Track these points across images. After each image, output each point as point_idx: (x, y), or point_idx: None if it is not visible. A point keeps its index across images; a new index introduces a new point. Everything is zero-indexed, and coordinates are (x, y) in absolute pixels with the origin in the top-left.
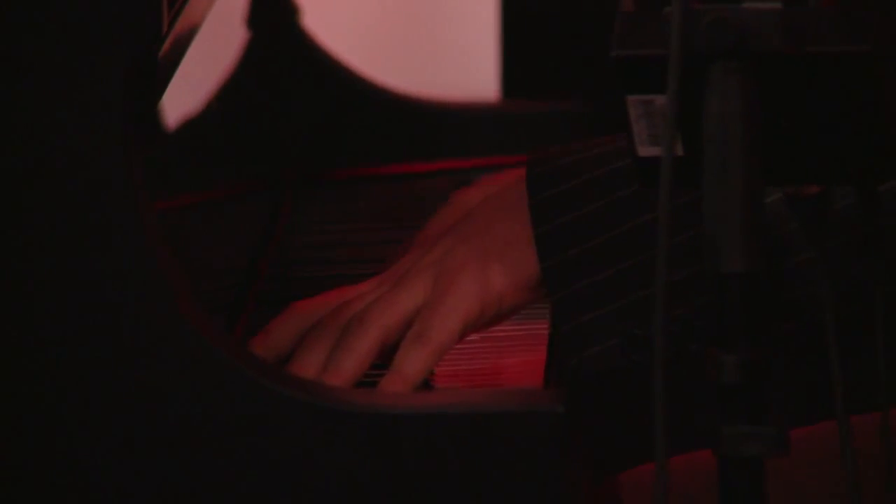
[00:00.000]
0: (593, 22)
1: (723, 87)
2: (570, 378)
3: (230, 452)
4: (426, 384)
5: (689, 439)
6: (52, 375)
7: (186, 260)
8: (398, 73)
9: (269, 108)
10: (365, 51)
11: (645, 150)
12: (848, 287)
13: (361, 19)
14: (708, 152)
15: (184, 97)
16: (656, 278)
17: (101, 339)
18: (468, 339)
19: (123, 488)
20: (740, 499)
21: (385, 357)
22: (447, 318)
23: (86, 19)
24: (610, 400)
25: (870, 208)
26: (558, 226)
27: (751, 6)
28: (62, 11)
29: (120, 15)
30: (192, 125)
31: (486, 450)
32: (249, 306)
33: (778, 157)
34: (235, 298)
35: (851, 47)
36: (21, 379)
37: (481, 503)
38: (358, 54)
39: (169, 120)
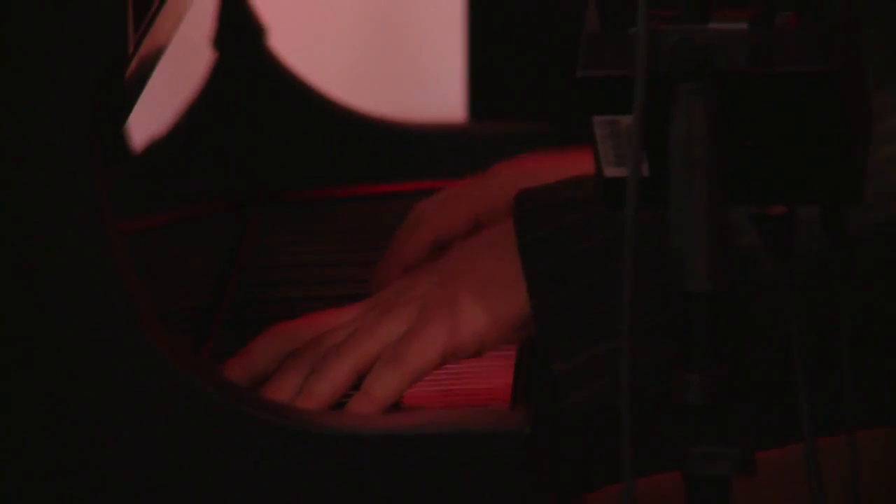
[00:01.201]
0: (560, 43)
1: (688, 108)
2: (556, 415)
3: (197, 474)
4: (395, 404)
5: (656, 461)
6: (16, 398)
7: (153, 281)
8: (365, 95)
9: (236, 129)
10: (332, 72)
11: (611, 171)
12: (814, 307)
13: (328, 41)
14: (674, 172)
15: (150, 118)
16: (623, 300)
17: (66, 361)
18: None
19: None
20: None
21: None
22: (426, 346)
23: (51, 40)
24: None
25: (834, 228)
26: (548, 265)
27: (716, 27)
28: (27, 32)
29: (85, 36)
30: (159, 146)
31: (453, 471)
32: (216, 328)
33: (743, 176)
34: (202, 320)
35: (816, 67)
36: None
37: None
38: (324, 76)
39: (135, 141)
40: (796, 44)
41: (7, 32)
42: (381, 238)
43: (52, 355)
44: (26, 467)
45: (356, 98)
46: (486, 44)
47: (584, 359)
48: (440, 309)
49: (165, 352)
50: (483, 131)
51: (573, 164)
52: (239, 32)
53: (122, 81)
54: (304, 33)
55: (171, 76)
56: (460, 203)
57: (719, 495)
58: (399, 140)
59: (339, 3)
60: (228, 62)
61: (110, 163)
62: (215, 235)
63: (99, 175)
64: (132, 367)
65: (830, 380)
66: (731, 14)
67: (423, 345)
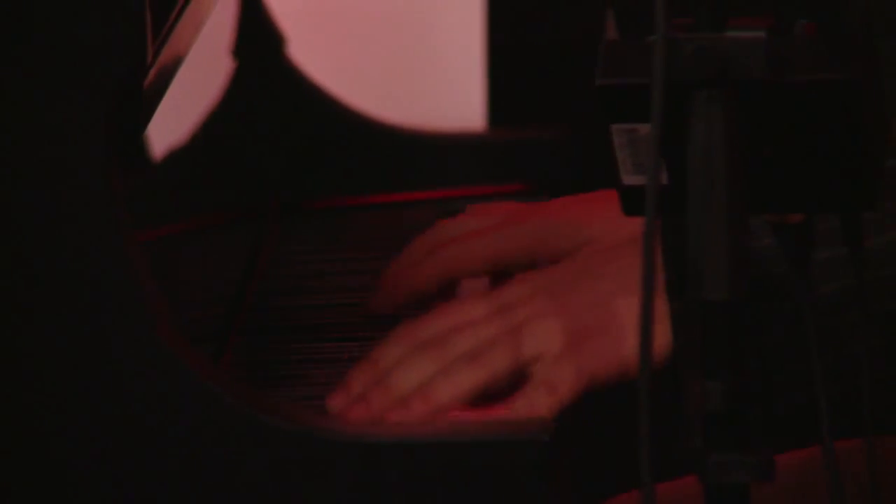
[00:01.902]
0: (579, 51)
1: (706, 116)
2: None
3: (215, 481)
4: None
5: (674, 465)
6: (36, 405)
7: (171, 289)
8: (384, 103)
9: (255, 137)
10: (351, 81)
11: (629, 179)
12: (832, 313)
13: (347, 49)
14: (692, 180)
15: (169, 127)
16: (642, 306)
17: (84, 369)
18: None
19: None
20: None
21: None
22: (580, 375)
23: (70, 49)
24: (595, 427)
25: (853, 236)
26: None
27: (734, 35)
28: (47, 41)
29: (104, 45)
30: (178, 155)
31: (472, 479)
32: (235, 336)
33: (762, 184)
34: (221, 328)
35: (834, 75)
36: None
37: None
38: (344, 84)
39: (155, 149)
40: (814, 52)
41: (26, 41)
42: (399, 247)
43: (69, 364)
44: (43, 474)
45: (375, 106)
46: (505, 51)
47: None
48: (591, 338)
49: (183, 360)
50: (502, 139)
51: (599, 207)
52: (258, 41)
53: (141, 90)
54: (322, 42)
55: (191, 85)
56: (483, 245)
57: (739, 502)
58: (418, 148)
59: (358, 11)
60: (247, 71)
61: (129, 171)
62: (234, 244)
63: (117, 183)
64: (150, 375)
65: (849, 383)
66: (749, 22)
67: (576, 374)
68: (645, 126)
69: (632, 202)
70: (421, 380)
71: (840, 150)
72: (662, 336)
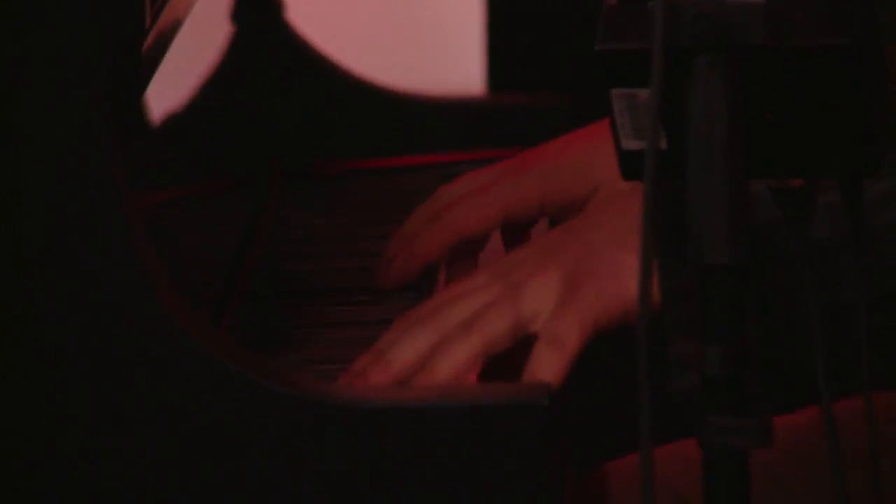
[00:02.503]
0: (579, 16)
1: (706, 81)
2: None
3: (213, 445)
4: None
5: (674, 428)
6: (33, 368)
7: (172, 254)
8: (384, 68)
9: (255, 102)
10: (350, 46)
11: (629, 144)
12: (833, 278)
13: (346, 14)
14: (692, 146)
15: (169, 92)
16: (640, 270)
17: (83, 333)
18: None
19: (101, 477)
20: (725, 490)
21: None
22: (582, 323)
23: (68, 14)
24: (594, 391)
25: (853, 201)
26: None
27: (734, 1)
28: (45, 6)
29: (103, 9)
30: (177, 120)
31: (471, 443)
32: (235, 301)
33: (762, 149)
34: (221, 292)
35: (835, 40)
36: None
37: (466, 496)
38: (343, 49)
39: (154, 114)
40: (814, 17)
41: (24, 6)
42: (399, 211)
43: (69, 328)
44: (40, 436)
45: (375, 71)
46: (505, 16)
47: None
48: (586, 283)
49: (183, 324)
50: (502, 104)
51: (601, 144)
52: (257, 5)
53: (140, 55)
54: (321, 6)
55: (190, 50)
56: (489, 201)
57: (738, 467)
58: (418, 113)
59: None
60: (247, 35)
61: (128, 137)
62: (234, 209)
63: (117, 148)
64: (148, 338)
65: (848, 345)
66: None
67: (580, 322)
68: (644, 91)
69: (631, 167)
70: (418, 353)
71: (841, 115)
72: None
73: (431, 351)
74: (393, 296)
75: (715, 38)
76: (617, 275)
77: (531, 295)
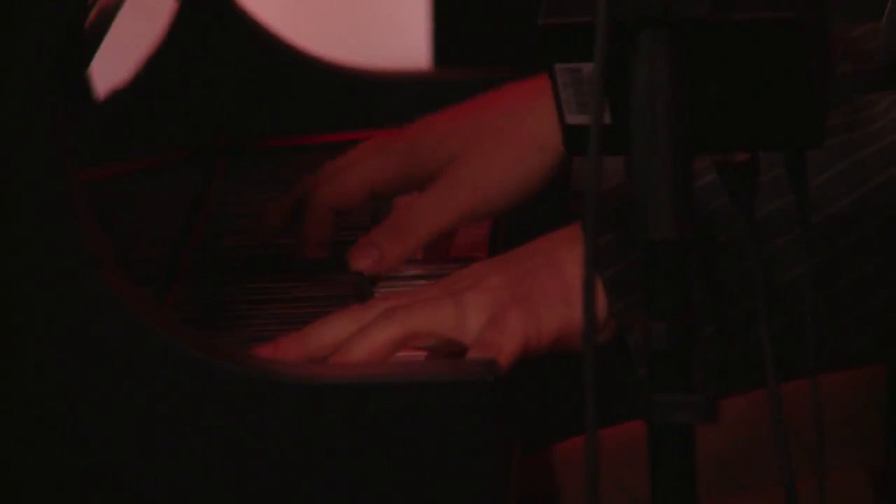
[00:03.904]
0: None
1: (650, 55)
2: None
3: (158, 421)
4: None
5: (620, 410)
6: None
7: (116, 230)
8: (329, 43)
9: (199, 77)
10: (296, 20)
11: (573, 119)
12: (774, 257)
13: None
14: (636, 120)
15: (113, 67)
16: (585, 246)
17: (25, 311)
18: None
19: (54, 459)
20: (670, 467)
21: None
22: (513, 338)
23: None
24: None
25: (797, 174)
26: (622, 269)
27: None
28: None
29: None
30: (121, 95)
31: (417, 419)
32: (180, 276)
33: (706, 124)
34: (166, 268)
35: (777, 14)
36: None
37: (413, 471)
38: (288, 24)
39: (98, 90)
40: None
41: None
42: None
43: (11, 308)
44: None
45: (320, 46)
46: None
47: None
48: (521, 305)
49: (127, 300)
50: (447, 78)
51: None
52: None
53: (83, 29)
54: None
55: (135, 24)
56: (352, 179)
57: (684, 443)
58: (363, 87)
59: None
60: (191, 10)
61: (73, 111)
62: (179, 184)
63: (60, 124)
64: (94, 316)
65: (792, 323)
66: None
67: (510, 336)
68: (588, 65)
69: (575, 141)
70: (337, 335)
71: (785, 89)
72: (600, 307)
73: (350, 335)
74: (339, 272)
75: (658, 12)
76: (551, 300)
77: (462, 303)
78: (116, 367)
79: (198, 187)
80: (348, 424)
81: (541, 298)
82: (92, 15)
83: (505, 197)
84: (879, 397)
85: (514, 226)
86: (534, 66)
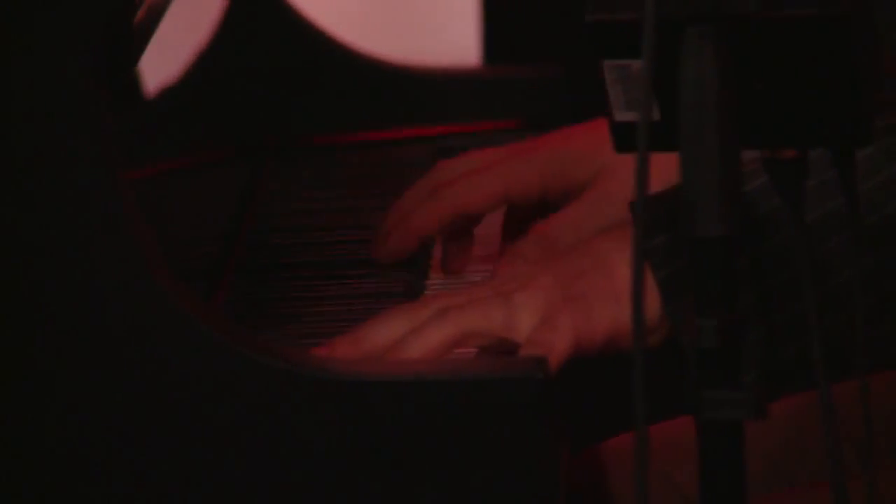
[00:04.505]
0: None
1: (698, 52)
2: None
3: (207, 420)
4: None
5: (670, 406)
6: (26, 343)
7: (165, 228)
8: (378, 40)
9: (249, 74)
10: (345, 17)
11: (621, 115)
12: (826, 259)
13: None
14: (684, 117)
15: (163, 64)
16: (633, 246)
17: (76, 308)
18: None
19: (91, 454)
20: (719, 463)
21: None
22: (565, 338)
23: None
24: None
25: (846, 171)
26: (676, 270)
27: None
28: None
29: None
30: (170, 92)
31: (465, 417)
32: (229, 274)
33: (754, 120)
34: (215, 266)
35: (826, 10)
36: None
37: (462, 468)
38: (337, 21)
39: (148, 87)
40: None
41: None
42: (393, 184)
43: (61, 302)
44: (34, 414)
45: (369, 43)
46: None
47: None
48: (574, 304)
49: (176, 298)
50: (496, 76)
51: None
52: None
53: (131, 25)
54: None
55: (184, 21)
56: (492, 180)
57: (732, 440)
58: (412, 85)
59: None
60: (240, 7)
61: (122, 108)
62: (228, 182)
63: (109, 121)
64: (143, 314)
65: (844, 324)
66: None
67: (562, 336)
68: (637, 62)
69: (624, 138)
70: (392, 335)
71: (832, 85)
72: (653, 309)
73: (405, 335)
74: (387, 270)
75: (706, 8)
76: (604, 302)
77: (516, 303)
78: (166, 367)
79: (246, 185)
80: (399, 422)
81: (593, 298)
82: (141, 12)
83: None
84: None
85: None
86: (586, 63)
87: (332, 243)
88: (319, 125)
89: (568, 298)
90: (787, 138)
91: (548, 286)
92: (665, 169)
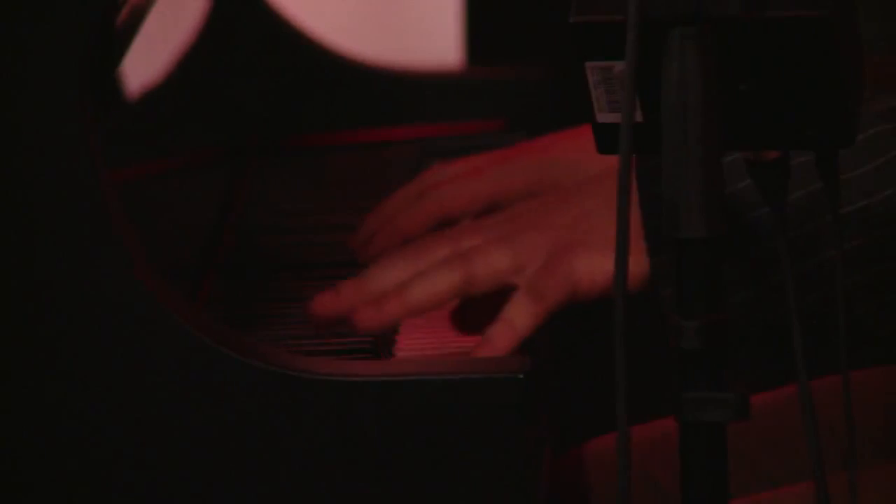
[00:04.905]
0: None
1: (681, 53)
2: None
3: (190, 419)
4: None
5: (652, 407)
6: (8, 342)
7: (149, 229)
8: (361, 41)
9: (232, 76)
10: (327, 18)
11: (604, 117)
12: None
13: None
14: (667, 118)
15: (145, 65)
16: (617, 243)
17: (60, 308)
18: None
19: (72, 454)
20: (701, 464)
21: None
22: (564, 283)
23: None
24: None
25: (828, 173)
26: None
27: None
28: None
29: None
30: (153, 94)
31: (449, 416)
32: (212, 274)
33: (737, 121)
34: (199, 267)
35: (809, 12)
36: None
37: (443, 468)
38: (319, 22)
39: (130, 88)
40: None
41: None
42: (377, 185)
43: (45, 303)
44: (15, 413)
45: (351, 44)
46: None
47: None
48: (575, 248)
49: (160, 299)
50: (480, 77)
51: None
52: None
53: (114, 27)
54: None
55: (166, 22)
56: (479, 184)
57: (714, 441)
58: (396, 86)
59: None
60: (223, 8)
61: (105, 110)
62: (211, 182)
63: (92, 122)
64: (125, 312)
65: (824, 320)
66: None
67: (560, 282)
68: (619, 63)
69: (606, 140)
70: (398, 278)
71: (815, 87)
72: (637, 265)
73: (411, 279)
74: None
75: (690, 9)
76: (607, 245)
77: (520, 248)
78: (150, 366)
79: (228, 186)
80: (380, 421)
81: (597, 240)
82: (123, 14)
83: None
84: None
85: None
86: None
87: (315, 244)
88: (302, 126)
89: (573, 243)
90: (770, 140)
91: (557, 226)
92: None
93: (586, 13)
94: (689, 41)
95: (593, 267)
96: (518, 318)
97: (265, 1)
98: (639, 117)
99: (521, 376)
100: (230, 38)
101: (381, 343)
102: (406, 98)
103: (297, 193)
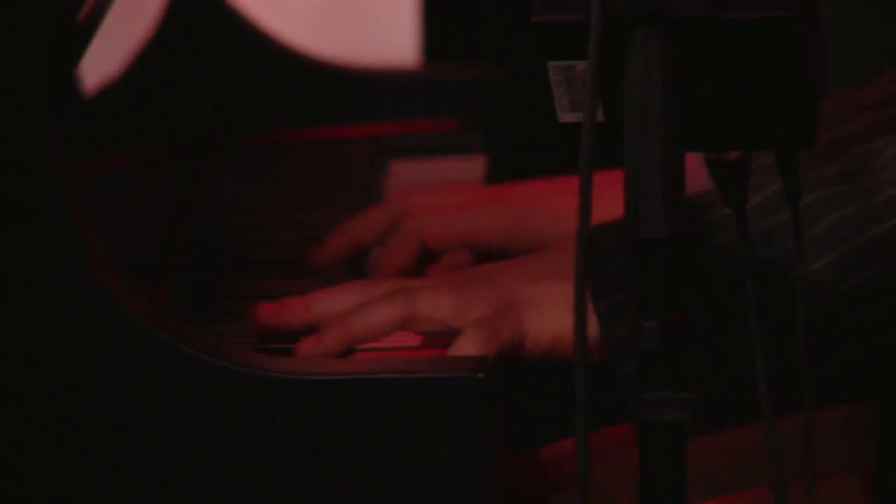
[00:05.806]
0: None
1: (643, 53)
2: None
3: (149, 417)
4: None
5: (610, 414)
6: None
7: (106, 225)
8: (318, 39)
9: (189, 73)
10: (284, 16)
11: (566, 116)
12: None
13: None
14: (629, 118)
15: (103, 61)
16: (577, 251)
17: (16, 307)
18: None
19: (45, 456)
20: (661, 465)
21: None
22: (512, 329)
23: None
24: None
25: (789, 174)
26: (619, 300)
27: None
28: None
29: None
30: (110, 89)
31: (407, 414)
32: (170, 271)
33: (699, 121)
34: (156, 264)
35: (772, 13)
36: None
37: (401, 465)
38: (277, 19)
39: (88, 84)
40: None
41: None
42: (332, 183)
43: (1, 300)
44: None
45: (309, 42)
46: None
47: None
48: (521, 305)
49: (117, 295)
50: (436, 75)
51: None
52: None
53: (75, 22)
54: None
55: (125, 18)
56: (460, 221)
57: (674, 441)
58: (352, 84)
59: None
60: (181, 6)
61: (63, 106)
62: (169, 180)
63: (51, 118)
64: (84, 311)
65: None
66: None
67: (511, 325)
68: (582, 63)
69: (568, 139)
70: (342, 306)
71: (777, 87)
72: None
73: (355, 308)
74: (328, 273)
75: (653, 9)
76: (555, 308)
77: (469, 295)
78: (106, 362)
79: (187, 183)
80: (338, 419)
81: (545, 303)
82: (86, 7)
83: None
84: (871, 401)
85: None
86: (526, 63)
87: (270, 242)
88: (259, 124)
89: (521, 299)
90: (733, 140)
91: (506, 286)
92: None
93: (549, 12)
94: (651, 41)
95: (540, 326)
96: (467, 352)
97: None
98: (600, 117)
99: (481, 376)
100: (188, 35)
101: None
102: (363, 96)
103: (254, 191)
